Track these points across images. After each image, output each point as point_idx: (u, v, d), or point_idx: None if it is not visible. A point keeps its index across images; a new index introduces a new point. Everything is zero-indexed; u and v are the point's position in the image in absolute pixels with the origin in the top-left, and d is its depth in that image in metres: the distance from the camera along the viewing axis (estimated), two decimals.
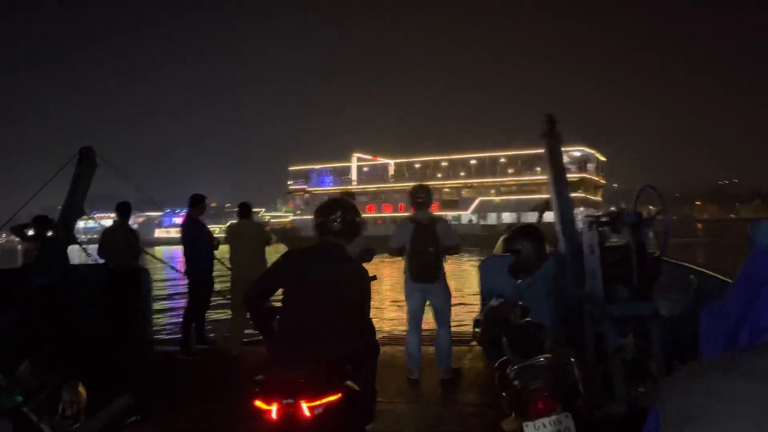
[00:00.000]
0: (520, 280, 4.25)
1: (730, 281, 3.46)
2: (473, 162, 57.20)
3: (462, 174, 56.48)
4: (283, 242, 60.82)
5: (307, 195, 62.69)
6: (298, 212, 63.34)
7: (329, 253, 2.99)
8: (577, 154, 53.40)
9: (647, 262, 4.37)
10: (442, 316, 5.52)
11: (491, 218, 52.06)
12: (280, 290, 3.04)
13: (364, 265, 3.43)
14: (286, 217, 69.05)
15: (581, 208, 52.28)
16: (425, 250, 5.30)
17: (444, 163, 59.06)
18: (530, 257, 4.11)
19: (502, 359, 3.81)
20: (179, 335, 7.23)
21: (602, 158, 59.72)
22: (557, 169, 6.53)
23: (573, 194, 45.71)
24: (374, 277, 3.36)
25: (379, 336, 6.25)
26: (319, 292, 2.84)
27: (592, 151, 55.81)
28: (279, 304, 3.03)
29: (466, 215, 53.75)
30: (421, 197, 5.50)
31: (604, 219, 4.60)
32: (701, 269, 4.40)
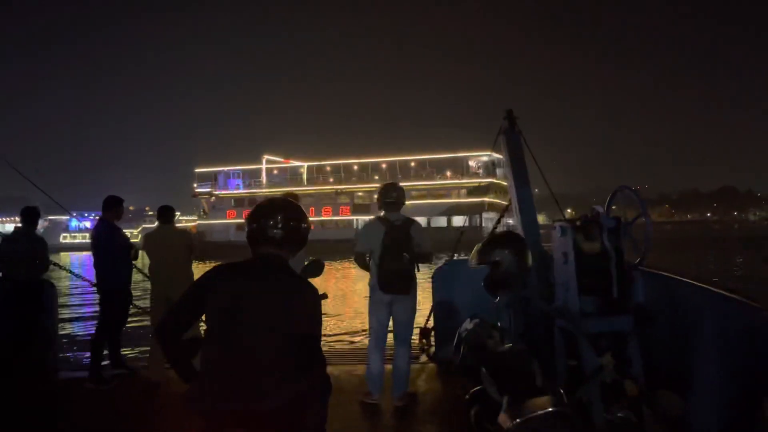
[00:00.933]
0: (498, 298, 3.82)
1: (729, 294, 2.84)
2: (384, 166, 57.36)
3: (376, 177, 56.19)
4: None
5: (213, 198, 60.47)
6: (203, 216, 60.94)
7: (270, 271, 2.24)
8: (485, 158, 54.67)
9: (627, 271, 4.00)
10: (405, 332, 4.96)
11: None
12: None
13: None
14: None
15: (492, 213, 54.18)
16: (399, 256, 4.66)
17: (355, 167, 58.83)
18: (511, 270, 3.66)
19: (476, 390, 3.39)
20: (88, 359, 6.22)
21: None
22: (518, 170, 5.99)
23: (481, 198, 46.49)
24: (325, 296, 2.58)
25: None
26: (256, 325, 2.11)
27: (501, 156, 57.00)
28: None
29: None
30: (392, 197, 4.93)
31: (578, 223, 4.13)
32: (690, 281, 3.97)
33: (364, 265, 4.94)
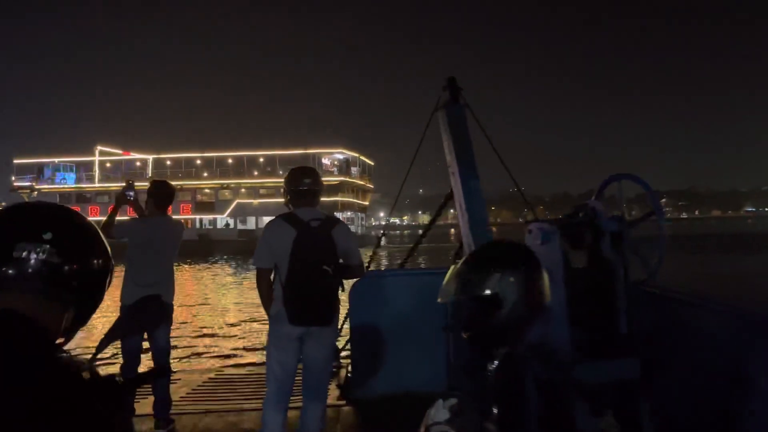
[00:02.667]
0: (491, 363, 2.07)
1: None
2: (230, 161, 54.49)
3: (218, 173, 53.25)
4: None
5: (35, 194, 54.10)
6: None
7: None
8: (340, 156, 54.09)
9: (633, 294, 3.00)
10: (320, 380, 3.56)
11: (250, 222, 50.17)
12: None
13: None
14: None
15: (348, 213, 53.50)
16: (316, 269, 3.26)
17: (198, 161, 54.95)
18: (518, 312, 1.91)
19: None
20: None
21: (369, 162, 61.41)
22: (464, 154, 4.65)
23: (333, 198, 45.98)
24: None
25: None
26: None
27: (356, 154, 56.60)
28: None
29: (223, 219, 50.90)
30: (305, 183, 3.48)
31: (569, 223, 3.10)
32: (718, 306, 2.87)
33: (266, 291, 3.41)
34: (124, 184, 4.63)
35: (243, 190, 52.37)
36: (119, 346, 4.24)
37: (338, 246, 3.39)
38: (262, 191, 51.85)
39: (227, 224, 50.26)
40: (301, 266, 3.27)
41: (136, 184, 4.70)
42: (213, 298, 19.10)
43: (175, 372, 5.98)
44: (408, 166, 6.27)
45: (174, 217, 4.80)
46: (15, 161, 56.98)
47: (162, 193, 4.53)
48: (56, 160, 56.14)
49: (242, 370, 6.38)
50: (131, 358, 4.26)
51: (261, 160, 54.16)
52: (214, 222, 50.01)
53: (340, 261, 3.41)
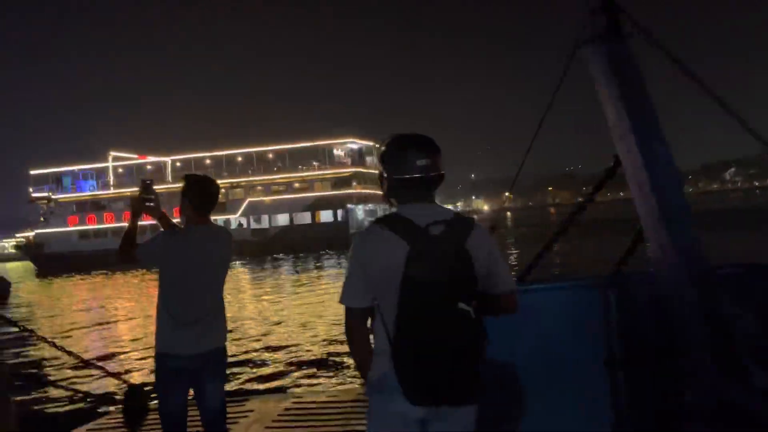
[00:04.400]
0: None
1: None
2: (240, 159, 53.63)
3: (224, 174, 51.58)
4: (31, 260, 51.97)
5: (51, 204, 54.67)
6: (41, 224, 55.00)
7: None
8: (353, 146, 52.34)
9: None
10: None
11: (264, 221, 49.53)
12: None
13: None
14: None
15: (369, 205, 51.40)
16: (447, 309, 2.04)
17: (207, 161, 54.18)
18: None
19: None
20: None
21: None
22: (638, 105, 3.06)
23: (348, 190, 45.01)
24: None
25: None
26: None
27: (370, 143, 53.63)
28: None
29: (236, 219, 49.68)
30: (421, 167, 2.04)
31: None
32: None
33: (361, 345, 2.10)
34: (139, 187, 3.31)
35: (260, 187, 51.57)
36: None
37: (477, 264, 2.00)
38: (273, 188, 51.19)
39: (240, 224, 49.42)
40: (420, 303, 1.93)
41: (161, 188, 3.12)
42: (252, 306, 17.57)
43: (245, 401, 5.24)
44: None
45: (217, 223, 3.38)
46: (31, 172, 57.36)
47: (203, 192, 3.15)
48: (73, 168, 56.42)
49: (322, 397, 5.43)
50: (172, 424, 3.08)
51: (270, 156, 53.14)
52: (227, 223, 50.09)
53: (481, 289, 2.03)
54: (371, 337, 2.10)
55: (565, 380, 3.03)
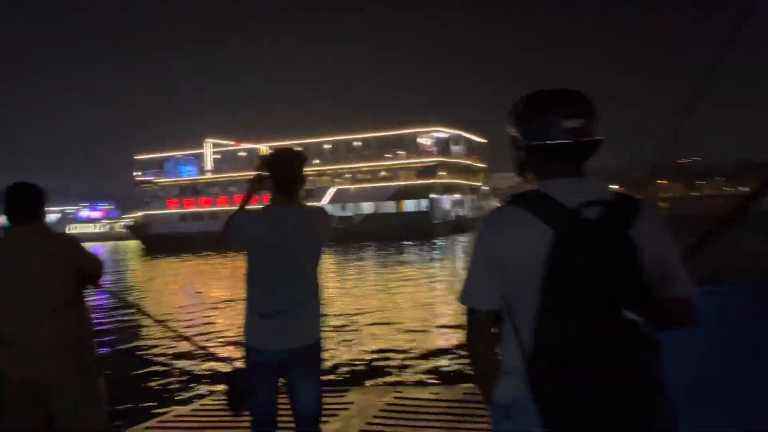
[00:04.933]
0: None
1: None
2: (327, 147, 54.17)
3: (316, 162, 52.16)
4: (140, 240, 55.68)
5: (155, 187, 58.36)
6: (147, 206, 58.77)
7: None
8: (441, 135, 51.28)
9: None
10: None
11: (349, 209, 49.79)
12: None
13: None
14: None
15: (456, 195, 51.14)
16: (607, 316, 1.46)
17: (297, 149, 55.30)
18: None
19: None
20: None
21: (479, 139, 57.22)
22: None
23: (431, 180, 43.86)
24: None
25: None
26: None
27: (458, 132, 53.21)
28: None
29: (324, 206, 50.96)
30: (571, 130, 1.51)
31: None
32: None
33: (485, 356, 1.59)
34: (257, 165, 2.92)
35: (347, 175, 52.23)
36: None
37: (645, 258, 1.44)
38: (358, 176, 51.71)
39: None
40: (569, 309, 1.41)
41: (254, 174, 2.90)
42: (346, 292, 17.05)
43: (345, 391, 4.94)
44: None
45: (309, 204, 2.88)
46: (136, 157, 61.17)
47: (286, 168, 2.74)
48: (174, 154, 59.41)
49: (426, 393, 4.89)
50: (260, 422, 2.78)
51: (357, 144, 53.40)
52: None
53: (649, 292, 1.46)
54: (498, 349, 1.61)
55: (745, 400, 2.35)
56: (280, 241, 2.67)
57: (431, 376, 7.47)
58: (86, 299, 2.90)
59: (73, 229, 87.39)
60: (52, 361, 2.66)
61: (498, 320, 1.57)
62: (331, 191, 51.47)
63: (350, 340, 10.03)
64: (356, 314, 12.62)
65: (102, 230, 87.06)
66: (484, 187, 56.68)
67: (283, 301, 2.65)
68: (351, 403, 4.60)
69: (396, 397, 4.78)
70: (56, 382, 2.66)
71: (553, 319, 1.39)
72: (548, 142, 1.51)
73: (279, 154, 2.84)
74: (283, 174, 2.74)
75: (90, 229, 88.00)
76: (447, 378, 7.16)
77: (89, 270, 2.86)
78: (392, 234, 42.84)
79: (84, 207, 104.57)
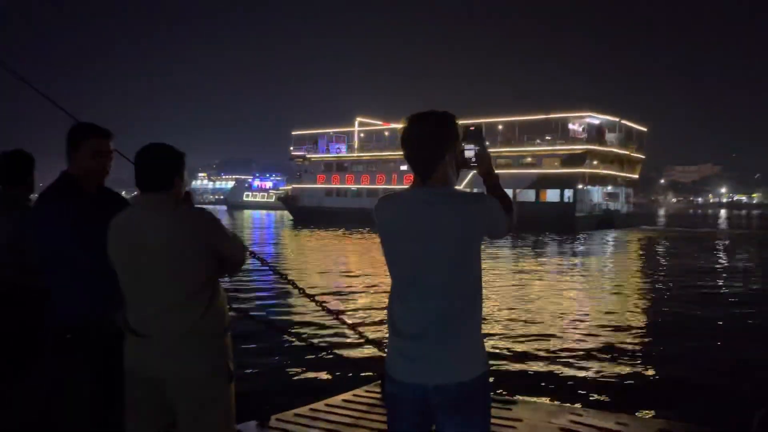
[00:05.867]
0: None
1: None
2: (472, 129, 52.58)
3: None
4: (289, 211, 59.39)
5: (307, 162, 60.91)
6: (298, 179, 61.61)
7: None
8: (594, 121, 46.45)
9: None
10: None
11: None
12: None
13: None
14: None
15: (609, 188, 48.38)
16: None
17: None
18: None
19: None
20: None
21: (638, 127, 51.25)
22: None
23: (578, 169, 40.02)
24: None
25: None
26: None
27: (614, 118, 47.98)
28: None
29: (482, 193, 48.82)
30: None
31: None
32: None
33: None
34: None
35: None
36: None
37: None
38: (500, 161, 48.07)
39: None
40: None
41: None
42: (505, 291, 14.02)
43: (512, 404, 4.32)
44: None
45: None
46: (293, 133, 64.34)
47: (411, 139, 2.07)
48: (327, 131, 61.32)
49: (610, 423, 3.99)
50: None
51: (500, 127, 50.30)
52: None
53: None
54: None
55: None
56: (413, 235, 1.93)
57: (614, 398, 6.24)
58: (223, 286, 2.40)
59: (246, 198, 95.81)
60: (181, 356, 2.21)
61: None
62: (469, 176, 49.92)
63: (517, 340, 8.71)
64: (522, 312, 11.01)
65: (269, 200, 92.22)
66: (661, 181, 51.60)
67: (421, 317, 1.91)
68: (519, 420, 3.99)
69: (573, 422, 4.07)
70: (182, 382, 2.21)
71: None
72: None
73: (412, 124, 2.05)
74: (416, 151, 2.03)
75: (260, 198, 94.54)
76: (634, 404, 5.91)
77: (228, 253, 2.34)
78: (531, 225, 40.19)
79: (257, 177, 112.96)
